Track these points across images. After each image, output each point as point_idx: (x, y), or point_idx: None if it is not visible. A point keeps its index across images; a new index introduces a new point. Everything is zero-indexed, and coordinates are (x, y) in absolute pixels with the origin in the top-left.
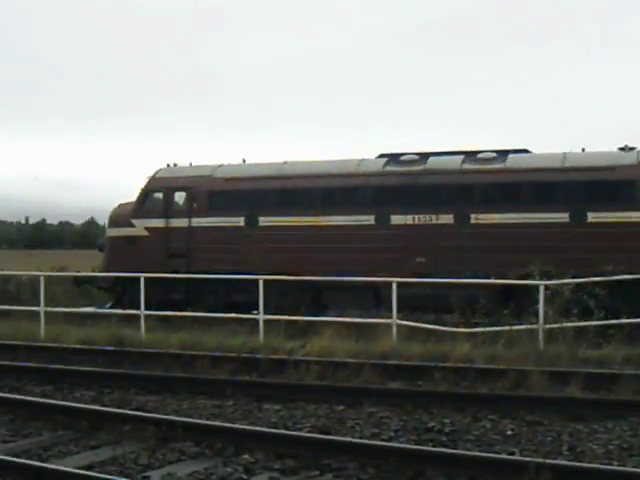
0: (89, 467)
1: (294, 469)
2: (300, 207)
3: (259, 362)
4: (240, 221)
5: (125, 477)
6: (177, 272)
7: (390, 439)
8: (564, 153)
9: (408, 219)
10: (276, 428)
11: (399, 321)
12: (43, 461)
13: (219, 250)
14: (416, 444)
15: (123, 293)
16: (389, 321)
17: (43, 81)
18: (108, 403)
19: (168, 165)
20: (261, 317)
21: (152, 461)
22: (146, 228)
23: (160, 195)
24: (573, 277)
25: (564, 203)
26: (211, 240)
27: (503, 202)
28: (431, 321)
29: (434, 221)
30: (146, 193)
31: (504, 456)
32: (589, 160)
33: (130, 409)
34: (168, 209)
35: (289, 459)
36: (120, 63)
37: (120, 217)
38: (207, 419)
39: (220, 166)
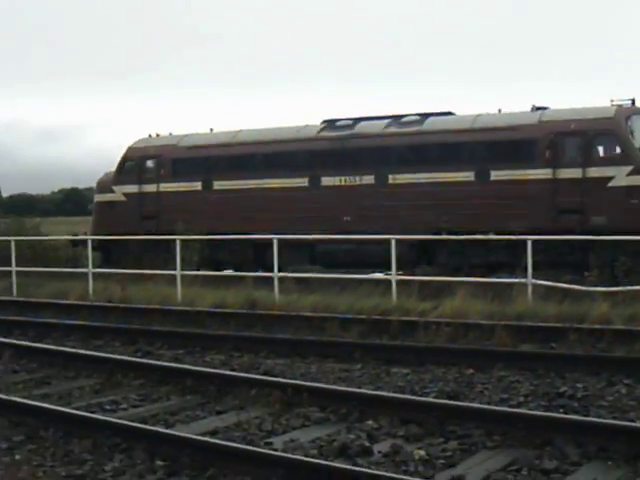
0: (213, 433)
1: (418, 436)
2: (247, 171)
3: (389, 324)
4: (198, 185)
5: (248, 443)
6: (149, 233)
7: (519, 405)
8: (477, 115)
9: (336, 181)
10: (403, 393)
11: (535, 280)
12: (169, 426)
13: (181, 212)
14: (546, 410)
15: (109, 252)
16: (524, 280)
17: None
18: (236, 367)
19: (150, 135)
20: (394, 277)
21: (276, 427)
22: (124, 193)
23: (135, 163)
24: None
25: (470, 162)
26: (175, 203)
27: (417, 163)
28: (568, 280)
29: (358, 182)
30: (124, 162)
31: (634, 424)
32: (495, 121)
33: (257, 373)
34: (141, 176)
35: (413, 425)
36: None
37: (103, 184)
38: (334, 383)
39: (186, 135)
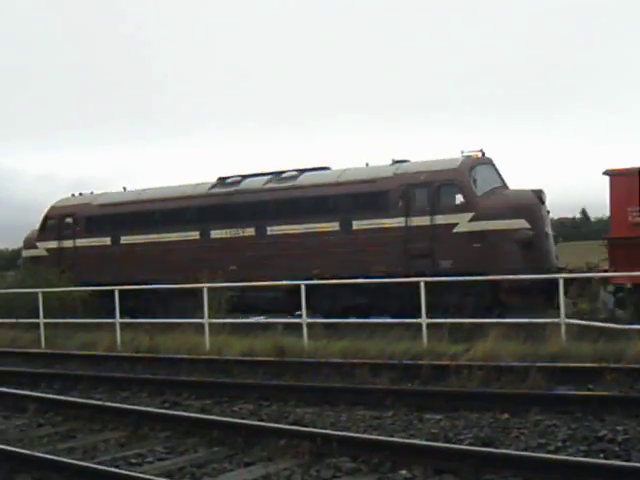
0: None
1: None
2: (148, 226)
3: (420, 369)
4: (107, 240)
5: None
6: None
7: (557, 450)
8: (344, 169)
9: (223, 233)
10: (436, 440)
11: (568, 320)
12: (196, 479)
13: (93, 265)
14: (585, 455)
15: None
16: (557, 320)
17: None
18: (265, 417)
19: (73, 195)
20: (424, 321)
21: (305, 478)
22: (46, 249)
23: (55, 221)
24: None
25: (335, 214)
26: (88, 257)
27: (291, 215)
28: (603, 319)
29: (241, 234)
30: (45, 220)
31: None
32: (357, 174)
33: (287, 422)
34: (60, 233)
35: (448, 475)
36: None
37: (29, 241)
38: (365, 431)
39: (99, 194)
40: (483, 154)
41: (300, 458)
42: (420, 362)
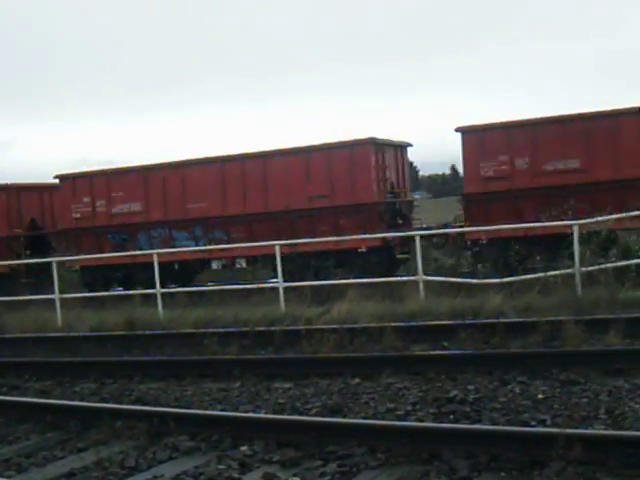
0: (69, 475)
1: (294, 460)
2: None
3: (273, 335)
4: None
5: None
6: None
7: (406, 414)
8: None
9: None
10: (283, 410)
11: (426, 277)
12: (22, 471)
13: None
14: (435, 418)
15: None
16: (415, 278)
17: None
18: (106, 396)
19: None
20: (280, 285)
21: (140, 462)
22: None
23: None
24: None
25: None
26: None
27: None
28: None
29: None
30: None
31: (526, 429)
32: None
33: (129, 401)
34: None
35: (290, 448)
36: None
37: None
38: (209, 405)
39: None
40: None
41: (136, 440)
42: (272, 328)
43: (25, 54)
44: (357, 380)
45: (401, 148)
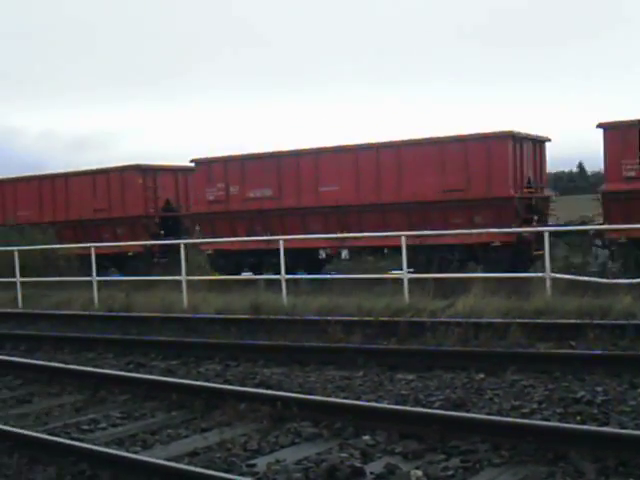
0: (192, 454)
1: (417, 452)
2: None
3: (397, 326)
4: None
5: (229, 465)
6: None
7: (532, 412)
8: None
9: None
10: (405, 402)
11: (553, 274)
12: (147, 447)
13: None
14: (561, 418)
15: None
16: (542, 275)
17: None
18: (230, 378)
19: None
20: (405, 276)
21: (263, 445)
22: None
23: None
24: None
25: None
26: None
27: None
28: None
29: None
30: None
31: None
32: None
33: (252, 384)
34: None
35: (412, 440)
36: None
37: None
38: (332, 393)
39: None
40: None
41: (260, 423)
42: (397, 319)
43: (164, 45)
44: (481, 375)
45: (540, 143)
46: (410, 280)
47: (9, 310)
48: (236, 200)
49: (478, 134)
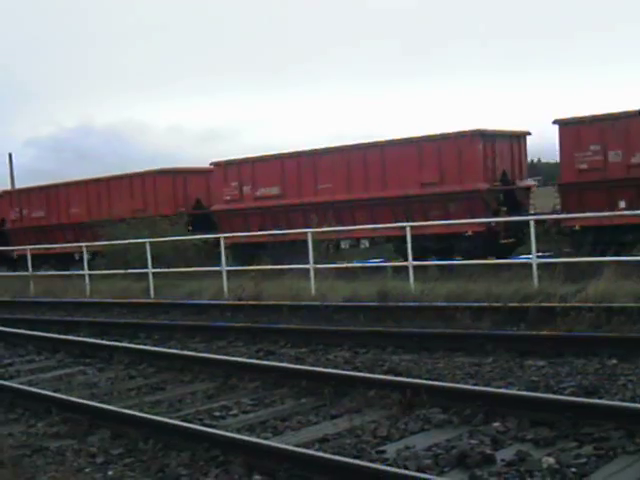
0: (323, 440)
1: (549, 440)
2: None
3: (526, 311)
4: None
5: (359, 452)
6: None
7: None
8: None
9: None
10: (536, 388)
11: None
12: (278, 433)
13: None
14: None
15: None
16: None
17: None
18: (359, 365)
19: None
20: (534, 261)
21: (392, 432)
22: None
23: None
24: None
25: None
26: None
27: None
28: None
29: None
30: None
31: None
32: None
33: (381, 371)
34: None
35: (544, 427)
36: None
37: None
38: (462, 379)
39: None
40: None
41: (389, 410)
42: (526, 304)
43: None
44: (614, 361)
45: (517, 137)
46: (539, 265)
47: (142, 300)
48: (248, 198)
49: (449, 133)
